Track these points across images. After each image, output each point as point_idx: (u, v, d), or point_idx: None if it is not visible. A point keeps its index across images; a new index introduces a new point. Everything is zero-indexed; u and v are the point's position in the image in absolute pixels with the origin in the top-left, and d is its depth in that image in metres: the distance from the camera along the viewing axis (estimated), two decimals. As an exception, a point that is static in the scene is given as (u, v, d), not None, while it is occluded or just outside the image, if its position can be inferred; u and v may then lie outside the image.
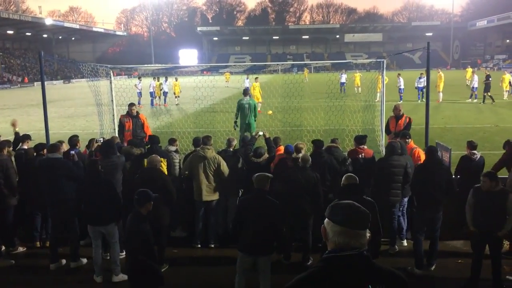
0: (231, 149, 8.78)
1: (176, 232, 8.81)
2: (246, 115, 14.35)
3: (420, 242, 7.17)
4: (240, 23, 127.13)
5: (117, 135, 11.11)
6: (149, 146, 9.28)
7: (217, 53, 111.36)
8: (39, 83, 10.81)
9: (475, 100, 29.39)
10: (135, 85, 30.61)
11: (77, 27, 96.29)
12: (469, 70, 39.62)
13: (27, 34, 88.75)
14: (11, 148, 8.89)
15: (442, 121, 20.94)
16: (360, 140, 8.65)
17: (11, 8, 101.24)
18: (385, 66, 12.25)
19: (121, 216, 7.51)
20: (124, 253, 7.92)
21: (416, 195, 7.49)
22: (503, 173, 8.46)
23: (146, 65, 33.47)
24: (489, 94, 28.31)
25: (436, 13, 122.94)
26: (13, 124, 10.50)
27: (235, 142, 9.05)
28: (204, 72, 46.93)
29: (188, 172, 8.42)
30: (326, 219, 2.51)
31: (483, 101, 28.45)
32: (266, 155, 8.62)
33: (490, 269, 6.61)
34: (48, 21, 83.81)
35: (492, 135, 16.80)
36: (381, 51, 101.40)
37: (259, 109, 20.55)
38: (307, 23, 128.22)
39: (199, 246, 8.37)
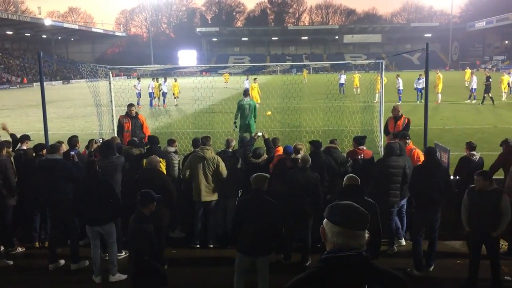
0: (230, 150, 8.79)
1: (175, 232, 8.81)
2: (246, 115, 14.36)
3: (419, 244, 7.18)
4: (239, 24, 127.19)
5: (116, 135, 11.10)
6: (148, 146, 9.29)
7: (216, 54, 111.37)
8: (38, 83, 10.81)
9: (474, 101, 29.42)
10: (134, 85, 30.62)
11: (76, 27, 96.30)
12: (468, 71, 39.67)
13: (26, 34, 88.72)
14: (10, 149, 8.88)
15: (441, 122, 20.97)
16: (359, 141, 8.66)
17: (10, 8, 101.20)
18: (384, 67, 12.26)
19: (119, 216, 7.54)
20: (123, 253, 7.95)
21: (415, 196, 7.48)
22: (500, 174, 8.49)
23: (145, 66, 33.57)
24: (489, 95, 28.33)
25: (435, 14, 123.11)
26: (4, 128, 10.41)
27: (234, 143, 9.05)
28: (203, 73, 46.96)
29: (188, 172, 8.42)
30: (325, 219, 2.52)
31: (482, 102, 28.48)
32: (265, 156, 8.63)
33: (488, 270, 6.61)
34: (47, 22, 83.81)
35: (491, 136, 16.82)
36: (380, 52, 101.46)
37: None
38: (306, 24, 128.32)
39: (198, 246, 8.37)
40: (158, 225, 6.99)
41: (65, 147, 8.57)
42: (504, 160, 8.41)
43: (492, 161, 8.59)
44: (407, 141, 8.97)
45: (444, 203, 7.26)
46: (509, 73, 33.28)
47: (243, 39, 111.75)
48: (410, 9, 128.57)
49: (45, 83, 10.48)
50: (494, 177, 8.42)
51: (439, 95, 29.59)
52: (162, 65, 40.79)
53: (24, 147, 9.10)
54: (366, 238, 2.47)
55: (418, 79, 29.87)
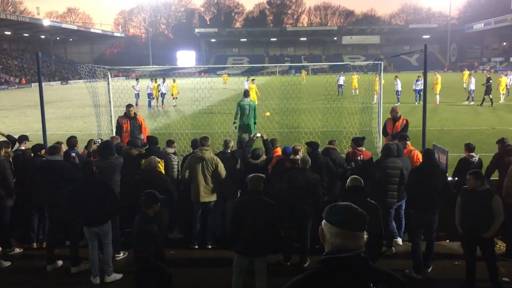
0: (229, 151, 8.78)
1: (173, 233, 8.80)
2: (246, 116, 14.37)
3: (418, 246, 7.17)
4: (238, 24, 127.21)
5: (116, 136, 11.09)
6: (147, 147, 9.28)
7: (215, 55, 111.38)
8: (37, 84, 10.79)
9: (472, 103, 29.46)
10: (133, 86, 30.60)
11: (75, 28, 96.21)
12: (466, 72, 39.78)
13: (25, 35, 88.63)
14: (9, 149, 8.87)
15: (439, 123, 21.00)
16: (358, 142, 8.67)
17: (9, 9, 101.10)
18: (382, 68, 12.28)
19: (117, 214, 7.55)
20: (121, 254, 7.95)
21: (412, 197, 7.46)
22: (495, 175, 8.52)
23: (144, 67, 33.55)
24: (490, 96, 28.37)
25: (434, 16, 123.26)
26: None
27: (232, 144, 9.04)
28: (202, 73, 46.96)
29: (187, 173, 8.42)
30: (324, 220, 2.52)
31: (482, 104, 28.48)
32: (264, 157, 8.63)
33: (486, 271, 6.61)
34: (46, 22, 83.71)
35: (489, 137, 16.83)
36: (379, 54, 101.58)
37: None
38: (305, 25, 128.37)
39: (197, 247, 8.37)
40: (157, 226, 7.00)
41: (64, 148, 8.55)
42: (499, 159, 8.42)
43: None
44: (406, 142, 8.99)
45: (442, 205, 7.27)
46: (506, 75, 33.32)
47: (241, 40, 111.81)
48: (409, 11, 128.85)
49: (43, 84, 10.46)
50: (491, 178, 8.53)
51: (437, 97, 29.64)
52: (161, 66, 40.79)
53: (23, 148, 9.08)
54: (365, 239, 2.46)
55: (417, 80, 29.92)
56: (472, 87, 30.02)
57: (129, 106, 11.78)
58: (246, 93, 15.06)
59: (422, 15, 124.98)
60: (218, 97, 32.92)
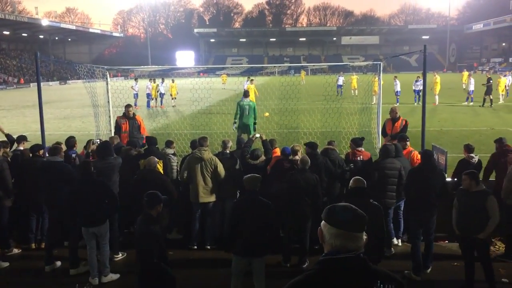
0: (228, 151, 8.77)
1: (172, 234, 8.79)
2: (245, 116, 14.37)
3: (418, 248, 7.16)
4: (237, 25, 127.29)
5: (116, 136, 11.07)
6: (146, 147, 9.27)
7: (214, 55, 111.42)
8: (35, 84, 10.75)
9: (471, 103, 29.49)
10: (132, 86, 30.59)
11: (74, 28, 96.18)
12: (465, 73, 39.80)
13: (23, 35, 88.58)
14: (8, 149, 8.85)
15: (438, 124, 21.01)
16: (358, 142, 8.67)
17: (7, 8, 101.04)
18: (381, 68, 12.27)
19: (115, 215, 7.53)
20: (120, 255, 7.93)
21: (411, 198, 7.45)
22: (494, 176, 8.51)
23: (142, 67, 33.43)
24: (490, 97, 28.39)
25: (433, 16, 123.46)
26: (0, 130, 10.39)
27: (230, 144, 9.02)
28: (201, 74, 46.93)
29: (186, 173, 8.41)
30: (323, 221, 2.51)
31: (483, 104, 28.46)
32: (263, 157, 8.62)
33: (485, 272, 6.60)
34: (45, 22, 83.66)
35: (488, 138, 16.82)
36: (378, 54, 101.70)
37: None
38: (304, 25, 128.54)
39: (196, 247, 8.35)
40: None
41: (63, 148, 8.54)
42: (497, 159, 8.42)
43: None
44: (406, 143, 8.98)
45: (441, 206, 7.26)
46: (505, 76, 33.35)
47: (241, 40, 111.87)
48: (408, 11, 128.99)
49: (42, 84, 10.43)
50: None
51: (437, 97, 29.68)
52: (160, 66, 40.74)
53: (21, 148, 9.08)
54: (364, 240, 2.45)
55: (416, 81, 29.95)
56: (472, 87, 30.05)
57: (128, 106, 11.77)
58: (246, 94, 15.07)
59: (421, 15, 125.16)
60: (217, 98, 32.91)
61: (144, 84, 32.76)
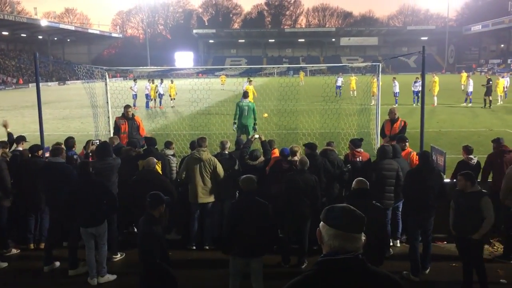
0: (226, 152, 8.77)
1: (171, 235, 8.78)
2: (244, 117, 14.39)
3: (416, 249, 7.17)
4: (236, 25, 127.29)
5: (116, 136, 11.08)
6: (145, 147, 9.27)
7: (213, 56, 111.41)
8: (34, 84, 10.75)
9: (470, 104, 29.52)
10: (131, 87, 30.58)
11: (73, 28, 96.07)
12: (464, 74, 39.78)
13: (22, 35, 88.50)
14: (7, 149, 8.85)
15: (437, 125, 21.03)
16: (357, 143, 8.68)
17: (6, 9, 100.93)
18: (380, 69, 12.28)
19: (114, 216, 7.53)
20: (118, 255, 7.93)
21: (409, 199, 7.45)
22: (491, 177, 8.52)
23: (141, 67, 33.51)
24: (490, 98, 28.40)
25: (431, 17, 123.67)
26: (5, 125, 10.45)
27: (229, 145, 9.02)
28: (200, 74, 46.93)
29: (184, 174, 8.41)
30: (321, 222, 2.51)
31: (484, 106, 28.43)
32: (262, 158, 8.63)
33: (485, 273, 6.60)
34: (44, 23, 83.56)
35: (487, 139, 16.79)
36: (377, 55, 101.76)
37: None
38: (303, 26, 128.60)
39: (194, 248, 8.36)
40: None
41: (61, 148, 8.55)
42: (493, 159, 8.43)
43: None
44: (406, 144, 9.00)
45: (440, 207, 7.26)
46: (503, 77, 33.38)
47: (240, 41, 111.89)
48: (407, 12, 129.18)
49: (41, 84, 10.43)
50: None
51: (435, 98, 29.71)
52: (159, 67, 40.74)
53: (20, 148, 9.08)
54: (363, 241, 2.46)
55: (415, 82, 29.96)
56: (470, 89, 30.06)
57: (127, 107, 11.77)
58: (245, 94, 15.08)
59: (420, 16, 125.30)
60: (216, 98, 32.92)
61: (143, 85, 32.75)
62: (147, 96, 32.00)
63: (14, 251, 8.30)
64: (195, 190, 8.21)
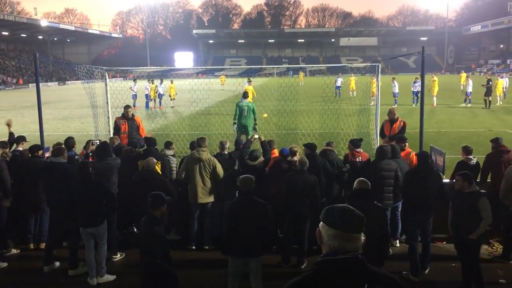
0: (226, 152, 8.78)
1: (170, 235, 8.79)
2: (244, 117, 14.40)
3: (415, 250, 7.18)
4: (236, 26, 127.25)
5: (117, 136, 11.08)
6: (145, 148, 9.27)
7: (213, 56, 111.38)
8: (34, 84, 10.76)
9: (469, 105, 29.53)
10: (131, 87, 30.56)
11: (73, 29, 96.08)
12: (464, 75, 39.77)
13: (22, 35, 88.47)
14: (7, 150, 8.85)
15: (436, 125, 21.04)
16: (356, 143, 8.69)
17: (6, 9, 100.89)
18: (380, 70, 12.29)
19: (114, 216, 7.53)
20: (118, 255, 7.93)
21: (408, 200, 7.47)
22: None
23: (141, 68, 33.45)
24: (489, 98, 28.40)
25: (431, 18, 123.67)
26: (8, 124, 10.49)
27: (228, 145, 9.03)
28: (200, 75, 46.91)
29: (183, 174, 8.42)
30: (321, 222, 2.52)
31: (485, 106, 28.41)
32: (262, 158, 8.64)
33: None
34: (43, 23, 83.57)
35: (486, 140, 16.76)
36: (376, 55, 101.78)
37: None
38: (303, 26, 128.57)
39: (194, 248, 8.36)
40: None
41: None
42: (492, 159, 8.44)
43: (486, 164, 8.62)
44: (405, 144, 9.00)
45: (439, 207, 7.27)
46: (502, 77, 33.40)
47: (239, 41, 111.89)
48: (406, 13, 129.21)
49: (40, 84, 10.43)
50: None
51: (435, 99, 29.71)
52: (159, 67, 40.70)
53: (20, 148, 9.08)
54: (362, 241, 2.47)
55: (414, 82, 29.97)
56: (470, 89, 30.05)
57: (127, 107, 11.78)
58: (245, 95, 15.09)
59: (420, 17, 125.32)
60: (216, 99, 32.92)
61: (143, 85, 32.75)
62: (147, 96, 32.00)
63: (14, 251, 8.30)
64: (195, 190, 8.21)
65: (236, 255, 5.94)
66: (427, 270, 7.31)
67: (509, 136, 17.55)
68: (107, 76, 12.29)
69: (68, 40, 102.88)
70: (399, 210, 8.27)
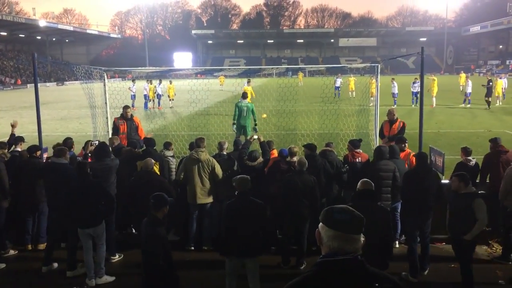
0: (225, 152, 8.76)
1: (169, 236, 8.76)
2: (243, 118, 14.38)
3: (414, 251, 7.17)
4: (235, 26, 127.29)
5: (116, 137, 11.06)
6: (144, 148, 9.25)
7: (212, 56, 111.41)
8: (32, 85, 10.75)
9: (469, 105, 29.55)
10: (129, 88, 30.54)
11: (71, 29, 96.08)
12: (463, 75, 39.82)
13: (21, 35, 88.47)
14: (5, 150, 8.82)
15: (435, 126, 21.04)
16: (356, 144, 8.67)
17: (5, 9, 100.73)
18: (379, 70, 12.28)
19: (112, 216, 7.51)
20: (116, 256, 7.91)
21: (406, 200, 7.45)
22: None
23: (140, 68, 33.36)
24: (489, 99, 28.42)
25: (430, 18, 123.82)
26: (13, 125, 10.50)
27: (227, 145, 9.01)
28: (199, 75, 46.90)
29: (182, 175, 8.40)
30: (321, 223, 2.50)
31: (487, 107, 28.44)
32: (261, 159, 8.62)
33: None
34: (42, 23, 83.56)
35: (485, 140, 16.76)
36: (375, 56, 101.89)
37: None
38: (302, 27, 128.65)
39: (193, 248, 8.34)
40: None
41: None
42: (490, 159, 8.42)
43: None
44: (405, 145, 8.99)
45: (438, 208, 7.26)
46: (501, 78, 33.42)
47: (238, 41, 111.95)
48: (405, 13, 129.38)
49: (39, 85, 10.42)
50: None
51: (434, 99, 29.73)
52: (157, 67, 40.71)
53: (18, 149, 9.07)
54: (362, 242, 2.45)
55: (414, 82, 29.98)
56: (469, 90, 30.07)
57: (126, 107, 11.76)
58: (244, 95, 15.08)
59: (419, 17, 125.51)
60: (215, 99, 32.91)
61: (141, 86, 32.73)
62: (145, 96, 31.98)
63: (12, 252, 8.28)
64: (194, 190, 8.19)
65: (233, 255, 5.92)
66: (426, 271, 7.30)
67: (509, 136, 17.56)
68: (105, 76, 12.26)
69: (67, 40, 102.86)
70: (398, 210, 8.24)
